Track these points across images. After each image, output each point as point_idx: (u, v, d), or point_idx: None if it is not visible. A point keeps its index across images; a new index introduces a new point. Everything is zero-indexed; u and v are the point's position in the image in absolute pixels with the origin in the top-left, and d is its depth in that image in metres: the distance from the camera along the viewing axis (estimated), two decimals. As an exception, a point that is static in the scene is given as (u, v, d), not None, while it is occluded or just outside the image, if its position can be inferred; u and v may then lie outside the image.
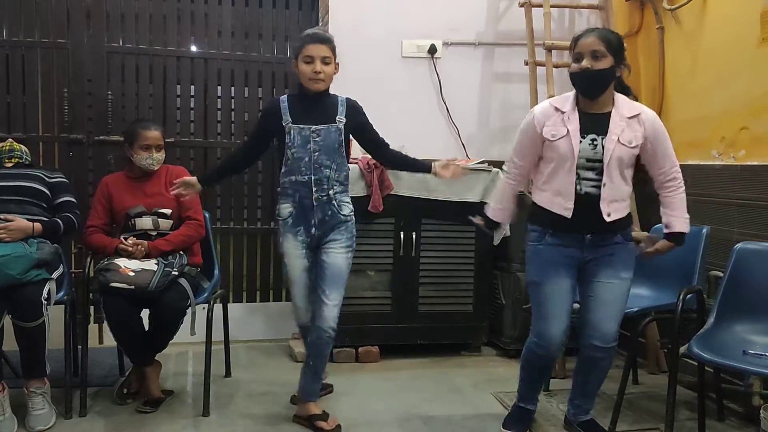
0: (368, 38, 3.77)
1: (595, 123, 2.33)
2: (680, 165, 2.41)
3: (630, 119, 2.33)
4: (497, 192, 2.69)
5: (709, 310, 2.57)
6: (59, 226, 2.76)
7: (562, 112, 2.35)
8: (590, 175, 2.32)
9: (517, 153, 2.49)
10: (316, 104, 2.56)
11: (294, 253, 2.59)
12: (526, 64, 3.61)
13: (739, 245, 2.57)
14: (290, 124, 2.53)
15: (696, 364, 2.57)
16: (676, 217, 2.40)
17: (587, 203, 2.32)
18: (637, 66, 3.68)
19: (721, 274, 2.61)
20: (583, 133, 2.32)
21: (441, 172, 2.65)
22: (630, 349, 2.82)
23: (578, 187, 2.32)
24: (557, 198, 2.36)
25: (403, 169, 2.88)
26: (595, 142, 2.31)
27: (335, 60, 2.55)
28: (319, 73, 2.49)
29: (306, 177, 2.53)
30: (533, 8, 3.62)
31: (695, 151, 3.23)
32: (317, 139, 2.52)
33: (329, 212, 2.56)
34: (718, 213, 3.07)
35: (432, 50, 3.90)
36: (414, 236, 3.50)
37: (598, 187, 2.31)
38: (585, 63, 2.27)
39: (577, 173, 2.31)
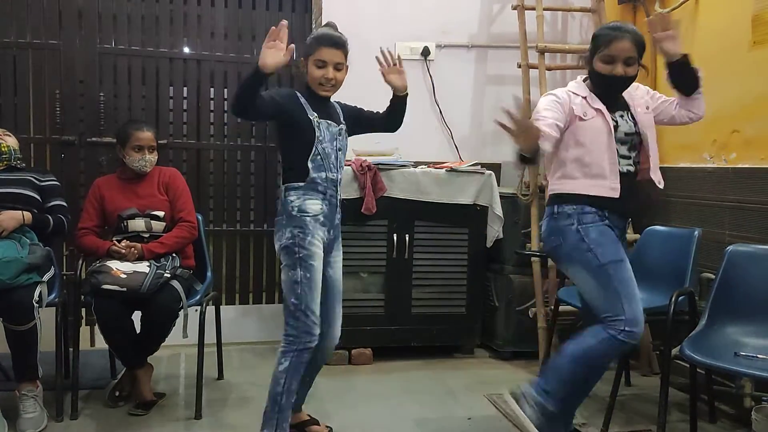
0: (361, 40, 3.74)
1: (614, 102, 2.36)
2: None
3: (633, 93, 2.42)
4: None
5: (701, 312, 2.58)
6: (49, 221, 2.74)
7: (583, 97, 2.35)
8: (625, 151, 2.32)
9: (549, 110, 2.30)
10: (325, 105, 2.45)
11: (319, 254, 2.34)
12: (519, 66, 3.62)
13: (730, 247, 2.58)
14: (317, 119, 2.36)
15: (688, 365, 2.57)
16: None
17: (627, 182, 2.30)
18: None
19: (713, 276, 2.62)
20: (610, 111, 2.33)
21: (389, 78, 2.52)
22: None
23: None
24: (597, 180, 2.28)
25: (397, 117, 2.57)
26: (624, 117, 2.34)
27: (346, 63, 2.43)
28: (330, 79, 2.36)
29: (335, 175, 2.39)
30: (526, 11, 3.63)
31: (687, 154, 3.24)
32: (340, 137, 2.43)
33: (339, 216, 2.47)
34: (709, 215, 3.08)
35: (425, 52, 3.90)
36: (407, 238, 3.49)
37: (633, 165, 2.32)
38: (619, 69, 2.27)
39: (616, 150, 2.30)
